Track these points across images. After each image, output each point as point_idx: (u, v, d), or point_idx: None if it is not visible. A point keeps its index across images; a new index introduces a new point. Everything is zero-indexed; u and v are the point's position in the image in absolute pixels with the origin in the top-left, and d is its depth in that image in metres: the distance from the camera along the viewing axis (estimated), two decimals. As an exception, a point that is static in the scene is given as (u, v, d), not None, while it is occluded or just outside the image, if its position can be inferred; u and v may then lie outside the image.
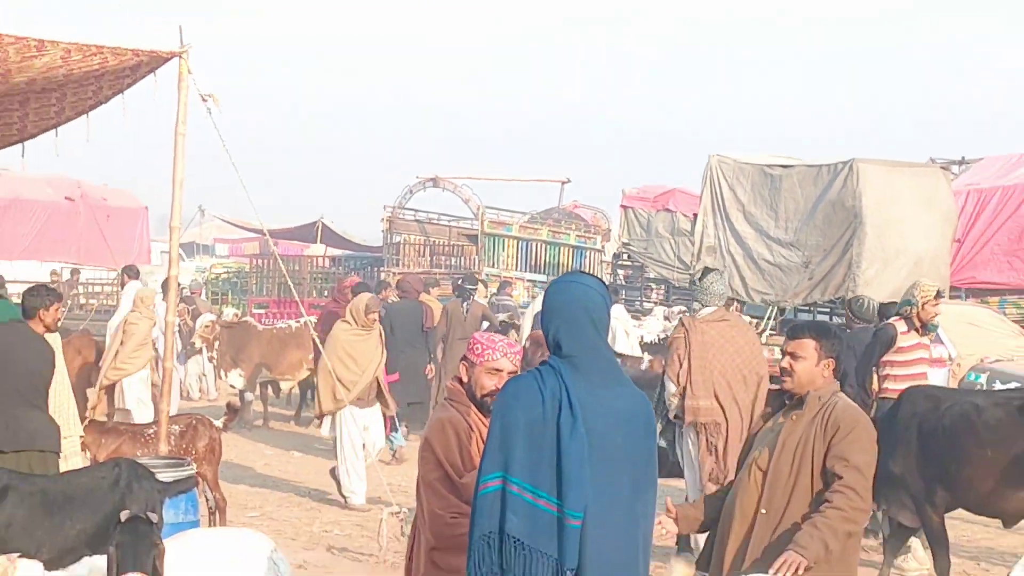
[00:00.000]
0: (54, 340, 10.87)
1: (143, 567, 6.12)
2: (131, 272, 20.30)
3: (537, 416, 5.02)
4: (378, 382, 14.83)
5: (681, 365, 11.14)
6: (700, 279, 12.03)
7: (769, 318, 23.33)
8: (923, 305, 12.09)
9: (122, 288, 20.56)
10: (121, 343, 17.10)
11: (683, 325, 11.72)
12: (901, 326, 12.18)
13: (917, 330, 12.21)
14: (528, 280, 31.01)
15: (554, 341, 5.24)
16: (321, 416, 15.36)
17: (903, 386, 11.66)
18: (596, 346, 5.26)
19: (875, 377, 12.30)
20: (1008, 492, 10.29)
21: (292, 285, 22.56)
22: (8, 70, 10.13)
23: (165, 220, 11.84)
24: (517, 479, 4.97)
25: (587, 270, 23.16)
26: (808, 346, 6.40)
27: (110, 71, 10.78)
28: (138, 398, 17.12)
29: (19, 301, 11.29)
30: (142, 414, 16.69)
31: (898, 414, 10.95)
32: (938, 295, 12.42)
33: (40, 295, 10.99)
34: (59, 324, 11.48)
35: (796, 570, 5.90)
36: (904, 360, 12.14)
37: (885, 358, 12.17)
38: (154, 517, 6.43)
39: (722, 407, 10.88)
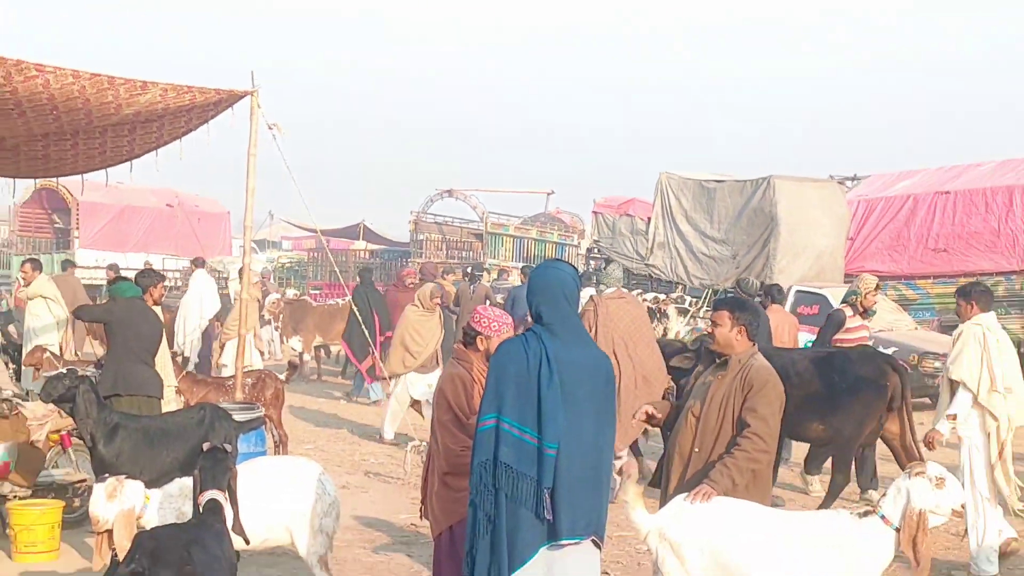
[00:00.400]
0: (158, 312, 10.89)
1: (220, 486, 6.10)
2: (198, 263, 20.41)
3: (522, 370, 5.04)
4: (438, 352, 14.84)
5: (590, 331, 11.22)
6: (604, 267, 12.22)
7: (705, 298, 23.36)
8: (865, 295, 11.86)
9: (191, 275, 20.64)
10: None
11: (592, 301, 11.93)
12: (848, 311, 11.89)
13: (860, 315, 11.91)
14: (521, 269, 31.06)
15: (536, 312, 5.27)
16: (390, 377, 15.37)
17: None
18: (568, 316, 5.27)
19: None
20: (808, 422, 10.78)
21: (339, 272, 22.51)
22: (119, 104, 10.09)
23: (243, 221, 11.83)
24: (508, 418, 5.01)
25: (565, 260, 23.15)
26: (724, 316, 6.42)
27: (198, 106, 10.75)
28: (232, 356, 17.23)
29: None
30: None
31: None
32: (877, 287, 12.15)
33: (150, 276, 11.05)
34: (162, 299, 11.48)
35: (708, 498, 5.95)
36: (850, 338, 11.78)
37: (836, 336, 11.85)
38: (229, 448, 6.41)
39: (618, 362, 10.89)
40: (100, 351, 15.77)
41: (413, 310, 14.95)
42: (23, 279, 15.97)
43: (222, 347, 17.75)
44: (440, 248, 33.24)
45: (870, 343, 12.11)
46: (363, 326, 16.09)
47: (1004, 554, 8.81)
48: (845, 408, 10.66)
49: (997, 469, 8.92)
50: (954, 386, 9.05)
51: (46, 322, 15.20)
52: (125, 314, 10.16)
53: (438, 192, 34.36)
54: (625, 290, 14.93)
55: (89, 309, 11.09)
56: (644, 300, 23.76)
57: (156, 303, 10.83)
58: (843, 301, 12.19)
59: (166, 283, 11.38)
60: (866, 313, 11.94)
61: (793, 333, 13.94)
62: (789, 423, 10.53)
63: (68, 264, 22.13)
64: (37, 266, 16.00)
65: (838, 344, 11.74)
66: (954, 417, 9.01)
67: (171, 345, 18.79)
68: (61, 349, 14.57)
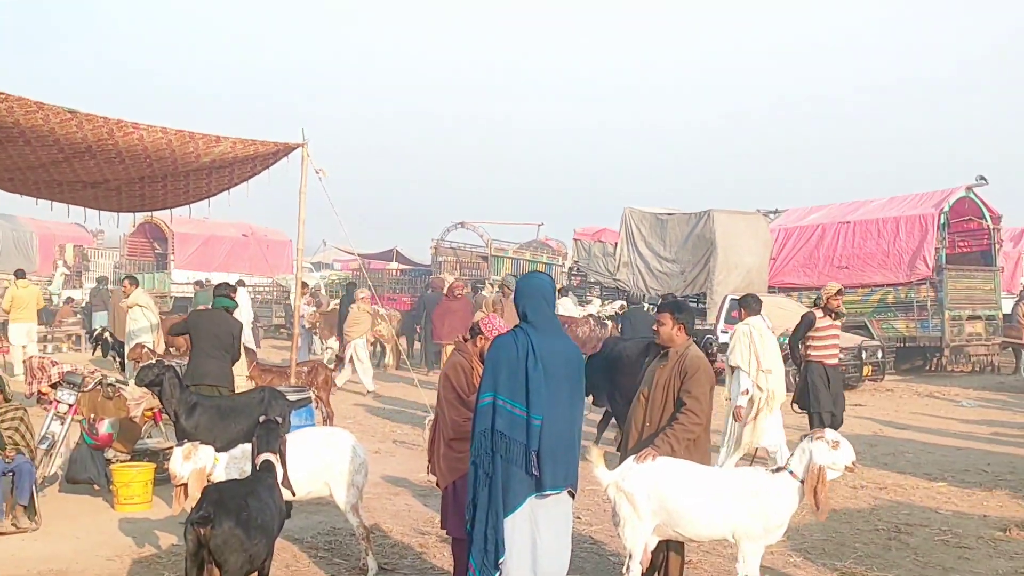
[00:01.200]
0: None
1: (273, 449, 6.05)
2: (240, 283, 20.37)
3: (513, 358, 4.99)
4: None
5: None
6: (514, 278, 12.84)
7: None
8: (827, 299, 11.09)
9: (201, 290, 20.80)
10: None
11: (500, 302, 14.23)
12: (819, 313, 11.08)
13: (830, 316, 11.09)
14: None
15: (523, 313, 5.21)
16: None
17: (820, 354, 10.96)
18: (548, 315, 5.22)
19: (801, 347, 11.13)
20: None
21: (372, 287, 22.38)
22: (199, 154, 10.07)
23: (296, 244, 11.81)
24: (502, 396, 4.96)
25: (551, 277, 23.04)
26: (667, 317, 6.36)
27: (261, 155, 10.72)
28: (360, 351, 17.95)
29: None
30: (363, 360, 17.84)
31: (603, 352, 11.98)
32: (839, 292, 11.20)
33: (224, 288, 10.99)
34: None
35: (652, 459, 5.93)
36: (820, 336, 11.01)
37: (808, 334, 11.06)
38: (281, 420, 6.35)
39: None
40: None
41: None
42: (123, 292, 15.99)
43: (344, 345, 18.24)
44: (455, 268, 33.08)
45: (838, 340, 11.33)
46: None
47: None
48: None
49: (749, 426, 9.97)
50: (735, 370, 10.03)
51: (141, 325, 15.23)
52: (198, 321, 10.17)
53: (453, 223, 34.26)
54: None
55: (175, 327, 10.91)
56: (611, 306, 23.76)
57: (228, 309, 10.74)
58: (813, 304, 11.46)
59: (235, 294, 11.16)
60: (836, 315, 11.15)
61: None
62: (626, 394, 11.06)
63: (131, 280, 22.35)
64: (134, 282, 16.06)
65: (810, 341, 11.06)
66: (746, 392, 9.92)
67: None
68: (155, 345, 14.57)
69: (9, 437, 8.34)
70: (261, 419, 6.25)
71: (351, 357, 17.70)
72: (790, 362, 11.84)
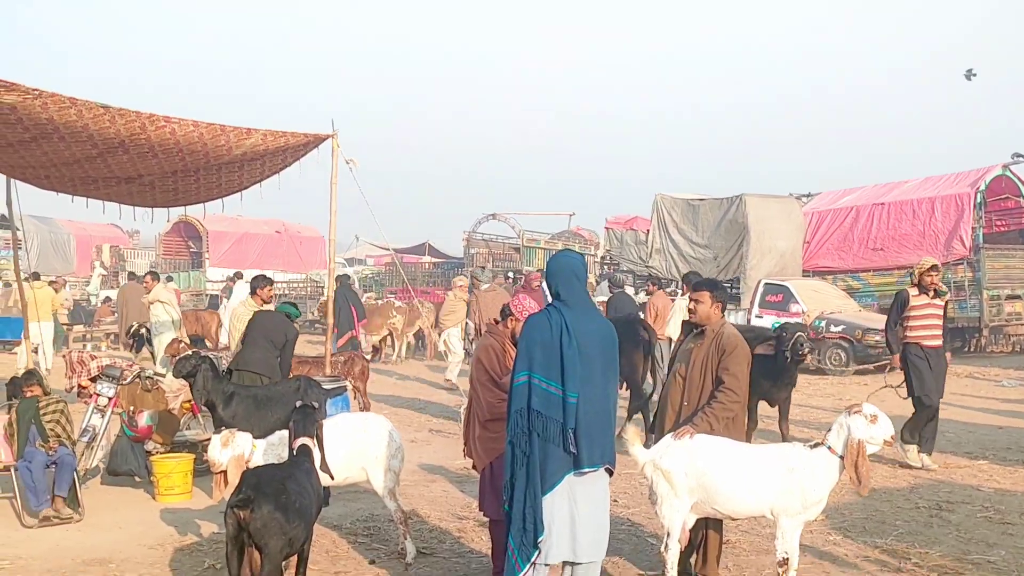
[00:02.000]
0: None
1: (309, 434, 6.07)
2: (239, 275, 20.43)
3: (547, 336, 4.95)
4: None
5: (473, 314, 14.81)
6: (480, 273, 13.64)
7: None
8: (919, 276, 10.21)
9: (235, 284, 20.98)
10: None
11: (473, 293, 15.52)
12: (913, 291, 10.20)
13: (927, 293, 10.17)
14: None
15: (555, 291, 5.16)
16: None
17: (919, 334, 10.11)
18: (580, 293, 5.17)
19: (899, 329, 10.25)
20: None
21: (407, 280, 22.36)
22: (230, 147, 10.06)
23: (336, 244, 11.80)
24: (538, 375, 4.91)
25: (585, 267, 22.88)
26: (705, 295, 6.33)
27: (291, 147, 10.69)
28: (454, 340, 17.51)
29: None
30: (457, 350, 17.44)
31: None
32: (933, 268, 10.26)
33: (260, 280, 11.02)
34: (271, 299, 11.28)
35: (690, 436, 5.94)
36: (917, 315, 10.13)
37: (904, 314, 10.22)
38: (317, 405, 6.36)
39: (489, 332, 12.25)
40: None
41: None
42: (145, 287, 16.05)
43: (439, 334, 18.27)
44: (487, 260, 33.08)
45: (939, 320, 10.31)
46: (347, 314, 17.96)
47: None
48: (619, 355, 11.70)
49: None
50: (671, 342, 10.81)
51: (164, 320, 15.29)
52: (257, 318, 10.26)
53: (484, 215, 34.26)
54: (498, 285, 18.49)
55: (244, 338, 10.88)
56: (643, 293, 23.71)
57: (265, 302, 10.79)
58: (909, 283, 10.54)
59: (274, 286, 11.18)
60: (936, 294, 10.20)
61: (669, 310, 14.02)
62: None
63: (137, 277, 22.49)
64: (156, 277, 16.21)
65: (907, 322, 10.21)
66: None
67: (218, 336, 19.12)
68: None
69: (51, 430, 8.44)
70: (297, 403, 6.27)
71: (444, 344, 17.85)
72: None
